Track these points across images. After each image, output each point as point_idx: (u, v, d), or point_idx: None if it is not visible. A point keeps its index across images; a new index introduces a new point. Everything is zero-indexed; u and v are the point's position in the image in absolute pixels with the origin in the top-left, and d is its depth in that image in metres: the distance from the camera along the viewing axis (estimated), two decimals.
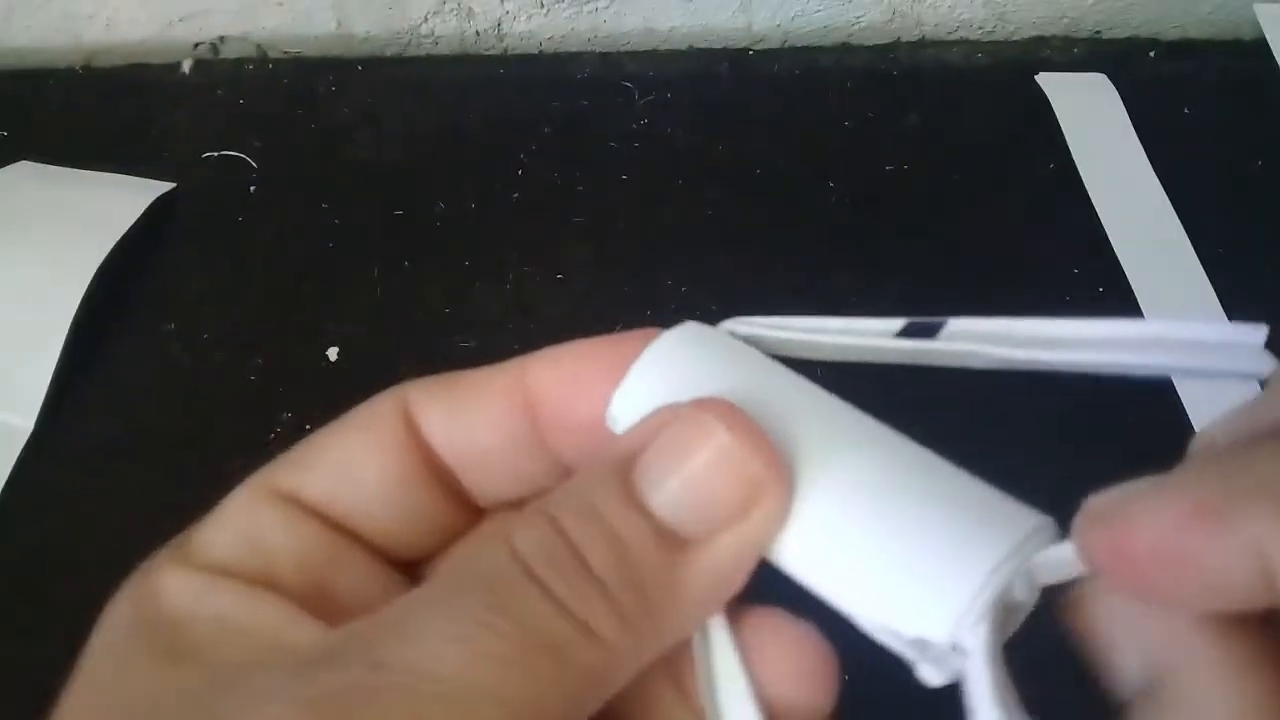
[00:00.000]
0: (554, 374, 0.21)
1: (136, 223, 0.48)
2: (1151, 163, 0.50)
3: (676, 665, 0.19)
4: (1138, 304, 0.46)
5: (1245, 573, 0.15)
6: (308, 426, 0.47)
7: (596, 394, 0.20)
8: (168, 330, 0.47)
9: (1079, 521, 0.17)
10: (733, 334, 0.21)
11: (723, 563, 0.18)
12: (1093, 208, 0.49)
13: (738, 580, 0.18)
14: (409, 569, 0.21)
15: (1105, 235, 0.48)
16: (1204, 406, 0.43)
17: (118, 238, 0.47)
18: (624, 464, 0.18)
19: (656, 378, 0.19)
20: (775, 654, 0.19)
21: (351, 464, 0.20)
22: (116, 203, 0.49)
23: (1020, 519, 0.17)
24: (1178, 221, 0.49)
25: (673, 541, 0.18)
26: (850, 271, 0.47)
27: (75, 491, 0.42)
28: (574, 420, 0.20)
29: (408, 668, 0.16)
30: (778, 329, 0.21)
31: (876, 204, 0.50)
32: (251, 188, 0.51)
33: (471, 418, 0.21)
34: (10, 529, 0.41)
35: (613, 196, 0.50)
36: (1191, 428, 0.42)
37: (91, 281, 0.45)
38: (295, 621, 0.18)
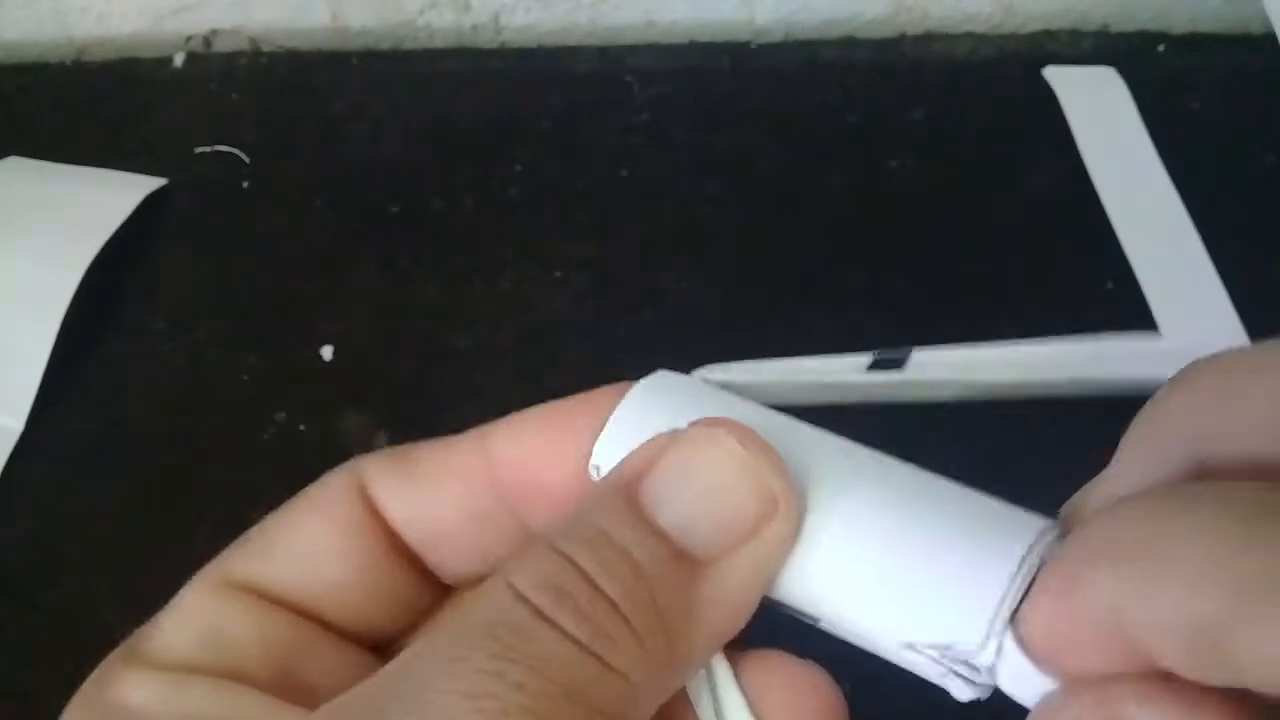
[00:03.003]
0: (519, 443, 0.20)
1: (128, 219, 0.47)
2: (1160, 157, 0.50)
3: (673, 713, 0.18)
4: (1145, 299, 0.45)
5: (1104, 640, 0.14)
6: (301, 427, 0.46)
7: (568, 457, 0.20)
8: (159, 328, 0.46)
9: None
10: (705, 380, 0.21)
11: (739, 583, 0.17)
12: (1100, 202, 0.48)
13: (751, 604, 0.18)
14: (378, 650, 0.21)
15: (1113, 230, 0.47)
16: None
17: (109, 234, 0.46)
18: (629, 487, 0.18)
19: (639, 422, 0.19)
20: (779, 694, 0.18)
21: (309, 549, 0.20)
22: (107, 199, 0.48)
23: (1030, 520, 0.18)
24: (1187, 216, 0.48)
25: (689, 562, 0.17)
26: (854, 268, 0.47)
27: (66, 492, 0.42)
28: (546, 488, 0.20)
29: None
30: (750, 373, 0.21)
31: (881, 199, 0.49)
32: (245, 183, 0.50)
33: (432, 497, 0.20)
34: (0, 530, 0.41)
35: (612, 192, 0.50)
36: None
37: (82, 279, 0.45)
38: (273, 710, 0.18)
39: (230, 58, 0.56)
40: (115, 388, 0.44)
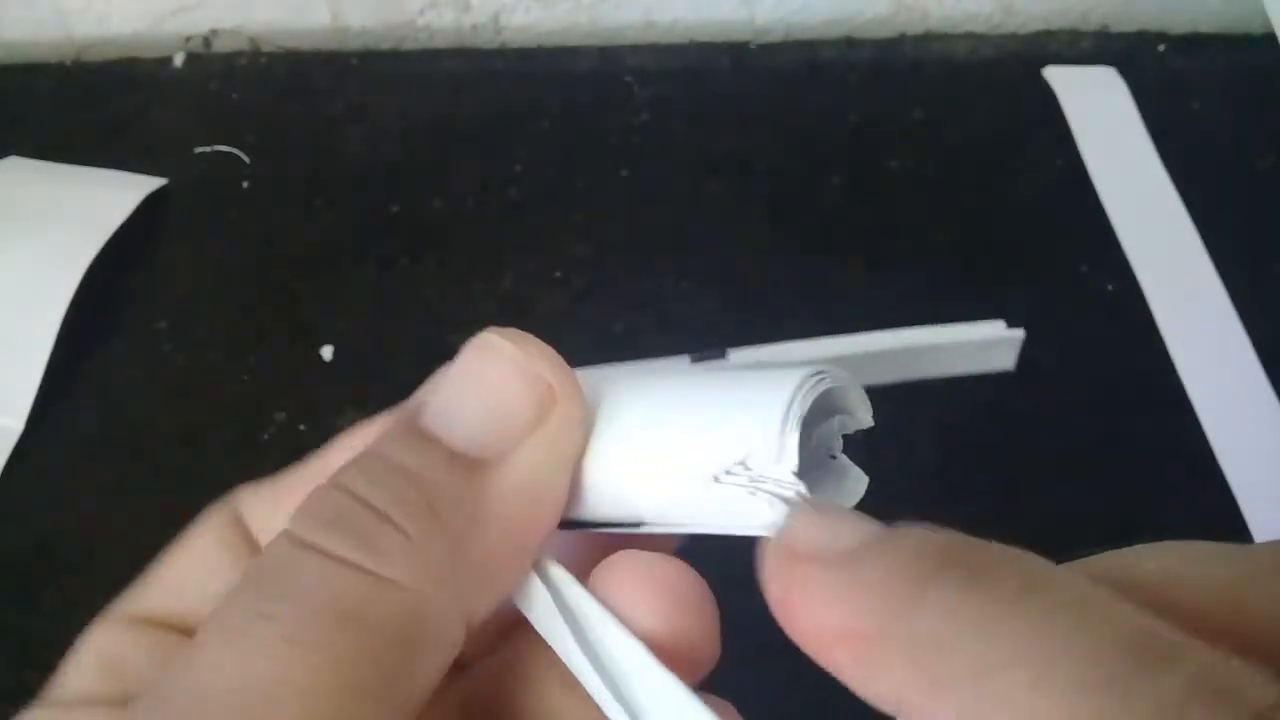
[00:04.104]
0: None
1: (128, 220, 0.47)
2: (1160, 157, 0.50)
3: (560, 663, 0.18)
4: (1145, 300, 0.45)
5: (882, 703, 0.14)
6: (301, 427, 0.46)
7: None
8: (159, 329, 0.46)
9: (772, 548, 0.15)
10: None
11: (529, 475, 0.17)
12: (1100, 202, 0.48)
13: (548, 498, 0.17)
14: None
15: (1113, 230, 0.47)
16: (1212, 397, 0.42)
17: (109, 235, 0.46)
18: (412, 414, 0.17)
19: None
20: (630, 587, 0.17)
21: (195, 574, 0.20)
22: (107, 199, 0.48)
23: (801, 367, 0.17)
24: (1187, 216, 0.48)
25: (470, 465, 0.17)
26: (855, 268, 0.47)
27: (66, 492, 0.42)
28: None
29: (188, 690, 0.15)
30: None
31: (881, 199, 0.49)
32: (244, 183, 0.50)
33: (284, 515, 0.20)
34: (0, 530, 0.41)
35: (612, 192, 0.50)
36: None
37: (82, 279, 0.45)
38: None
39: (230, 58, 0.56)
40: (115, 388, 0.44)
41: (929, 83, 0.54)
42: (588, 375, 0.19)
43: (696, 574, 0.17)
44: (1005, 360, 0.19)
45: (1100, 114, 0.51)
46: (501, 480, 0.17)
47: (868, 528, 0.15)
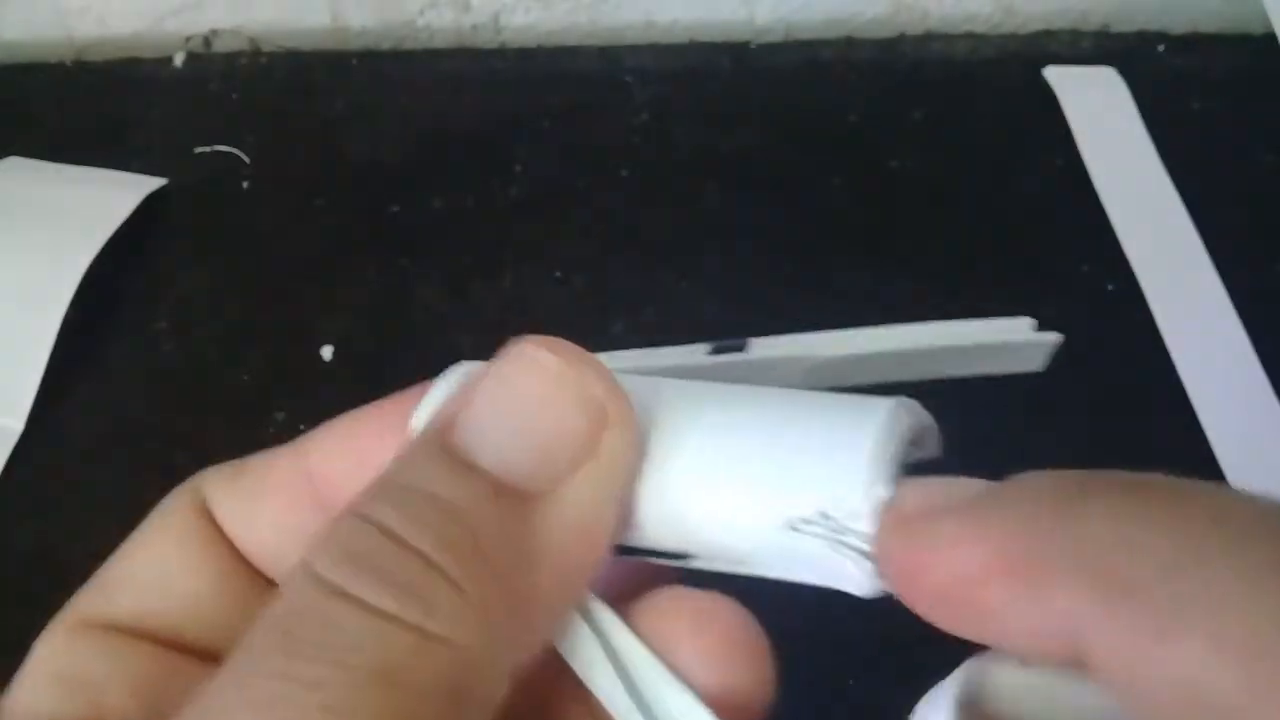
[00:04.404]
0: (333, 451, 0.18)
1: (128, 220, 0.47)
2: (1160, 157, 0.50)
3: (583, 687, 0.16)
4: (1146, 301, 0.45)
5: (1049, 640, 0.13)
6: (302, 426, 0.46)
7: (382, 461, 0.17)
8: (159, 329, 0.46)
9: (884, 519, 0.14)
10: None
11: (581, 509, 0.15)
12: (1100, 202, 0.48)
13: (601, 533, 0.15)
14: None
15: (1113, 230, 0.47)
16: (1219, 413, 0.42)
17: (109, 235, 0.46)
18: (441, 434, 0.15)
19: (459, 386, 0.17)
20: (686, 633, 0.15)
21: (157, 573, 0.18)
22: (107, 199, 0.48)
23: (884, 401, 0.16)
24: (1187, 216, 0.48)
25: (517, 498, 0.15)
26: (855, 268, 0.47)
27: (66, 493, 0.42)
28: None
29: None
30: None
31: (881, 200, 0.49)
32: (244, 184, 0.50)
33: (258, 511, 0.19)
34: (1, 531, 0.41)
35: (612, 193, 0.50)
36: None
37: (82, 280, 0.45)
38: None
39: (230, 58, 0.56)
40: (115, 388, 0.44)
41: (929, 83, 0.54)
42: (626, 376, 0.17)
43: (751, 616, 0.16)
44: (1034, 362, 0.18)
45: (1100, 114, 0.51)
46: (551, 515, 0.15)
47: (980, 481, 0.14)
